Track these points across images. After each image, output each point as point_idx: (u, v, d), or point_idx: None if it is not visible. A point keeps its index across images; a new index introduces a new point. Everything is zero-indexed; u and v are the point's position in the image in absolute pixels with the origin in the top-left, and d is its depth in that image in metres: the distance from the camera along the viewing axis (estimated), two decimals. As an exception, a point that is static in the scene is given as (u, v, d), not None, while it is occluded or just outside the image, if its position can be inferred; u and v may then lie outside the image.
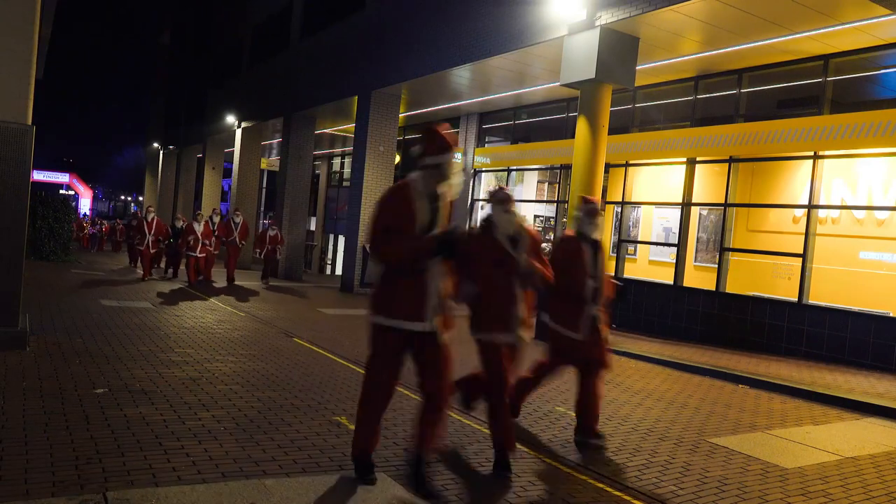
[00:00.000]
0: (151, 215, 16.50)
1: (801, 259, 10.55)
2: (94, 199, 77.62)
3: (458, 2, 13.67)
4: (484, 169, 17.53)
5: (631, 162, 13.54)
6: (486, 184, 17.77)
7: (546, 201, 16.21)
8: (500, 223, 4.55)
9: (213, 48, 30.76)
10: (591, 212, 5.24)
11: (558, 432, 5.56)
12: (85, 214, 53.48)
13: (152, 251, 16.20)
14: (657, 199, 13.28)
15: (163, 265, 18.37)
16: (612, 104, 11.09)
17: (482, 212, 17.72)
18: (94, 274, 16.68)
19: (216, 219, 16.60)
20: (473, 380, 5.11)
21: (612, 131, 11.43)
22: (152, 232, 16.12)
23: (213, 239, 15.95)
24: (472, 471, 4.47)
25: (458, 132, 18.31)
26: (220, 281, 16.24)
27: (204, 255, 15.42)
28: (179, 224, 17.20)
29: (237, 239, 16.84)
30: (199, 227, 15.40)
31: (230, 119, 25.20)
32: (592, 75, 10.26)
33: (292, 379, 6.63)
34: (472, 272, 4.48)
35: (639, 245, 13.70)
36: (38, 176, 56.71)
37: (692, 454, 5.26)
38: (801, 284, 10.51)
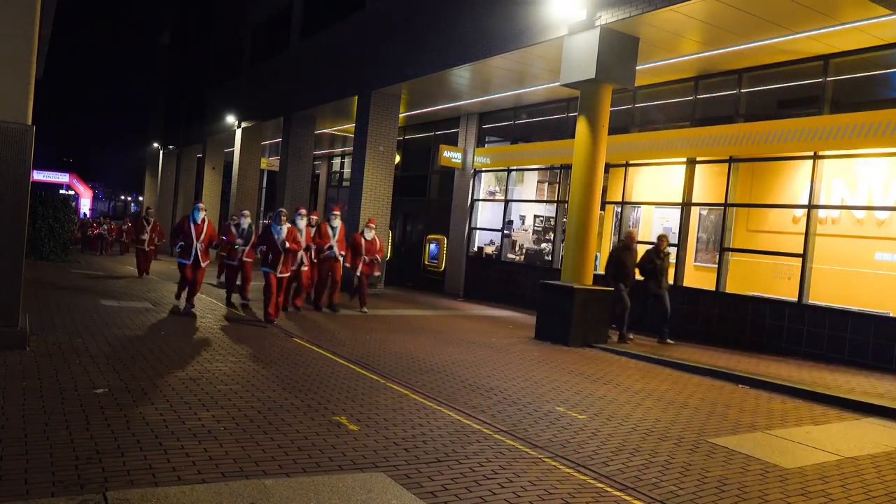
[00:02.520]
0: (202, 214, 11.04)
1: (801, 259, 10.55)
2: (94, 199, 77.60)
3: (458, 2, 13.68)
4: (484, 169, 17.53)
5: (631, 162, 13.54)
6: (486, 184, 17.78)
7: (546, 201, 16.20)
8: None
9: (213, 48, 30.76)
10: None
11: (558, 432, 5.56)
12: (84, 214, 53.44)
13: (203, 263, 10.93)
14: (657, 199, 13.28)
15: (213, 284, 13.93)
16: (612, 104, 11.09)
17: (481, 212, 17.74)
18: (95, 274, 16.69)
19: (301, 222, 11.16)
20: None
21: (612, 131, 11.43)
22: (201, 237, 10.85)
23: (306, 252, 11.48)
24: (473, 470, 4.47)
25: (458, 132, 18.32)
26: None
27: (287, 274, 10.68)
28: (246, 224, 12.10)
29: (336, 250, 12.08)
30: (298, 231, 10.79)
31: (230, 119, 25.22)
32: (592, 75, 10.26)
33: (292, 379, 6.64)
34: None
35: (639, 245, 13.69)
36: (38, 176, 56.68)
37: (692, 454, 5.26)
38: (801, 284, 10.51)
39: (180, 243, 10.88)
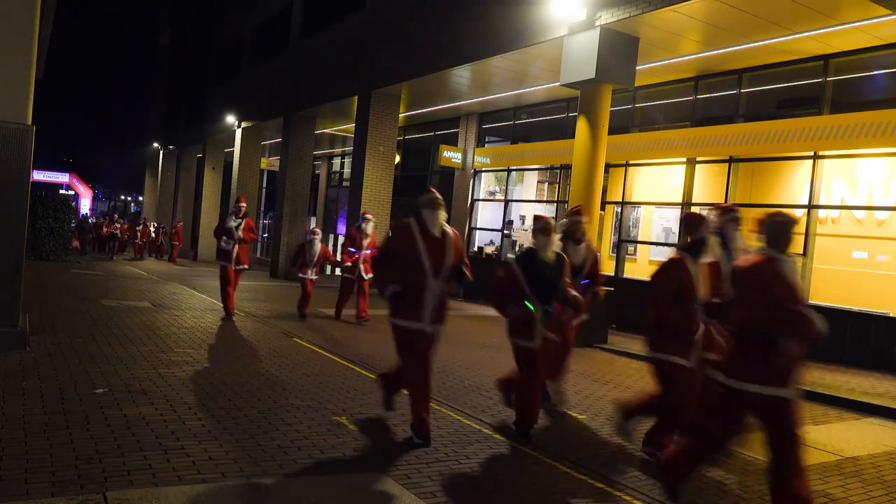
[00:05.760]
0: (371, 223, 7.65)
1: (801, 259, 10.54)
2: (94, 199, 77.59)
3: (459, 2, 13.67)
4: (484, 169, 17.53)
5: (631, 162, 13.54)
6: (486, 184, 17.78)
7: (546, 201, 16.20)
8: None
9: (213, 48, 30.76)
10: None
11: (558, 432, 5.56)
12: (84, 214, 53.34)
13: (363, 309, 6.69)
14: (657, 199, 13.27)
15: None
16: (612, 104, 11.09)
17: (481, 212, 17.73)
18: (95, 274, 16.68)
19: (547, 241, 5.69)
20: None
21: (612, 131, 11.42)
22: (364, 253, 7.10)
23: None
24: (472, 471, 4.47)
25: (458, 132, 18.32)
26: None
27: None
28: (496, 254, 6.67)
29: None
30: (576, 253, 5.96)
31: (230, 119, 25.21)
32: (592, 75, 10.26)
33: (292, 379, 6.63)
34: None
35: (639, 245, 13.70)
36: (38, 176, 56.63)
37: (692, 454, 5.25)
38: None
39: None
